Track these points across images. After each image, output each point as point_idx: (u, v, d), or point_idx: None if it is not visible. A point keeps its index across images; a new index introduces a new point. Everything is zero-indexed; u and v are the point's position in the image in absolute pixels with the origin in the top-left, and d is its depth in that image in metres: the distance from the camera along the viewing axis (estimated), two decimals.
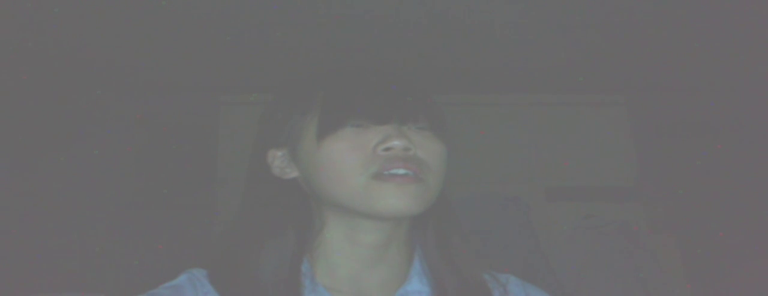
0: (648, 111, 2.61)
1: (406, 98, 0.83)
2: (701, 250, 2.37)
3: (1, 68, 2.22)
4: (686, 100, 2.50)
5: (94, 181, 2.35)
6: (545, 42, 2.20)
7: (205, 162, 2.48)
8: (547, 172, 2.63)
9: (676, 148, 2.50)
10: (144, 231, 2.28)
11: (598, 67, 2.40)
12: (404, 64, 2.30)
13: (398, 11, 1.98)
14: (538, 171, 2.63)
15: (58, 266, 2.19)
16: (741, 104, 2.39)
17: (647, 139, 2.59)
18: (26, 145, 2.34)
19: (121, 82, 2.43)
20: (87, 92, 2.44)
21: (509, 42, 2.20)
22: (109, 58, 2.24)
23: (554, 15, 2.02)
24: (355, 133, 0.80)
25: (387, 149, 0.78)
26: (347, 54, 2.24)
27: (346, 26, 2.06)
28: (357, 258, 0.83)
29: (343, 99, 0.82)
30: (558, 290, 2.24)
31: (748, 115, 2.38)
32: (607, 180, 2.61)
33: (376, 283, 0.83)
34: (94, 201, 2.33)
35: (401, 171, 0.77)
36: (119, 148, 2.42)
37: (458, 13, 2.01)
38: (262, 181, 0.87)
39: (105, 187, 2.36)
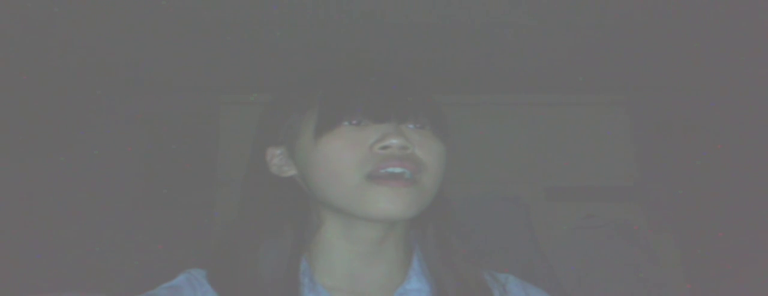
0: (648, 111, 2.61)
1: (405, 97, 0.83)
2: (701, 250, 2.37)
3: (1, 68, 2.22)
4: (686, 100, 2.50)
5: (95, 181, 2.35)
6: (545, 42, 2.20)
7: (204, 163, 2.48)
8: (547, 172, 2.62)
9: (676, 148, 2.50)
10: (144, 231, 2.28)
11: (599, 67, 2.40)
12: (404, 64, 2.30)
13: (398, 11, 1.98)
14: (538, 171, 2.63)
15: (58, 266, 2.19)
16: (741, 104, 2.39)
17: (647, 139, 2.59)
18: (26, 145, 2.34)
19: (121, 82, 2.43)
20: (87, 92, 2.44)
21: (509, 42, 2.20)
22: (109, 58, 2.24)
23: (554, 15, 2.02)
24: (352, 131, 0.80)
25: (384, 147, 0.78)
26: (347, 54, 2.24)
27: (345, 26, 2.06)
28: (355, 255, 0.83)
29: (341, 97, 0.82)
30: (557, 290, 2.24)
31: (748, 115, 2.37)
32: (606, 180, 2.61)
33: (375, 282, 0.83)
34: (94, 201, 2.33)
35: (398, 170, 0.77)
36: (119, 148, 2.42)
37: (458, 13, 2.01)
38: (260, 179, 0.87)
39: (105, 187, 2.36)
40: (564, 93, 2.67)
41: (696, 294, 2.37)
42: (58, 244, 2.24)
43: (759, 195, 2.27)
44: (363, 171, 0.77)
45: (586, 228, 2.48)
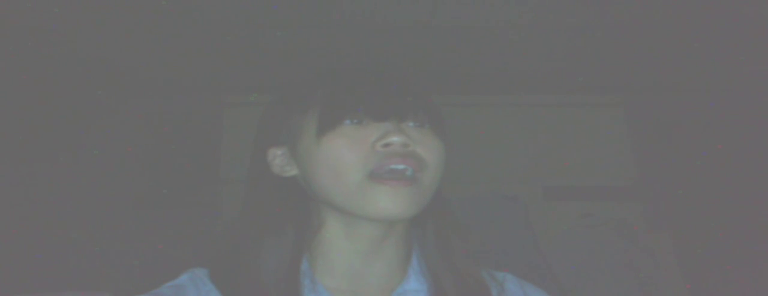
0: (646, 111, 2.62)
1: (404, 96, 0.84)
2: (699, 250, 2.37)
3: (2, 68, 2.22)
4: (685, 100, 2.51)
5: (97, 181, 2.36)
6: (544, 43, 2.21)
7: (207, 163, 2.48)
8: (546, 172, 2.63)
9: (674, 148, 2.51)
10: (146, 231, 2.29)
11: (597, 67, 2.41)
12: (404, 64, 2.31)
13: (398, 12, 1.99)
14: (536, 171, 2.64)
15: (58, 266, 2.20)
16: (739, 104, 2.39)
17: (645, 139, 2.60)
18: (27, 145, 2.34)
19: (124, 82, 2.44)
20: (89, 93, 2.45)
21: (508, 43, 2.21)
22: (111, 58, 2.25)
23: (553, 16, 2.03)
24: (354, 130, 0.80)
25: (386, 145, 0.79)
26: (348, 54, 2.25)
27: (347, 27, 2.07)
28: (355, 254, 0.83)
29: (342, 96, 0.82)
30: (556, 288, 2.25)
31: (746, 115, 2.38)
32: (605, 179, 2.62)
33: (375, 281, 0.84)
34: (95, 201, 2.33)
35: (400, 166, 0.78)
36: (120, 148, 2.43)
37: (458, 14, 2.01)
38: (262, 180, 0.87)
39: (107, 187, 2.36)
40: (562, 93, 2.68)
41: (695, 293, 2.38)
42: (60, 244, 2.24)
43: (757, 195, 2.27)
44: (365, 169, 0.78)
45: (584, 227, 2.48)
